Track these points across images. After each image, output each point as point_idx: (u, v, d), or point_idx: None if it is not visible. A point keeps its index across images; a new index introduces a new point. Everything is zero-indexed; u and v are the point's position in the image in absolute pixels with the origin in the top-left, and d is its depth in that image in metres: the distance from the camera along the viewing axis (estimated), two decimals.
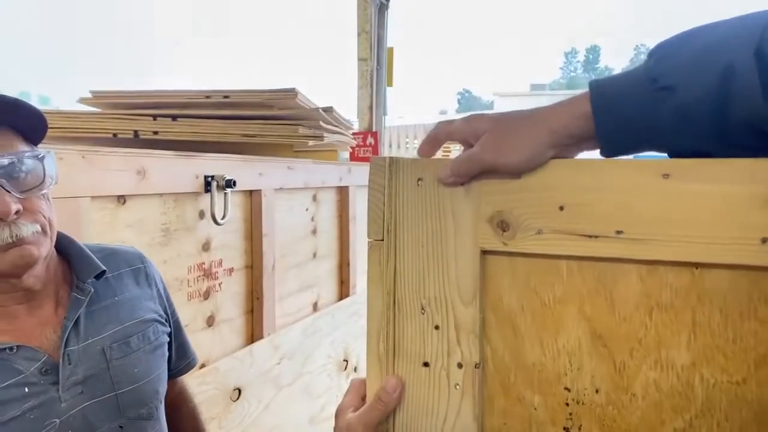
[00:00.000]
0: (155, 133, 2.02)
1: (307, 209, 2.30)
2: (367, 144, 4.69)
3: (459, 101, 67.33)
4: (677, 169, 0.57)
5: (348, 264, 2.54)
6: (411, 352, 0.68)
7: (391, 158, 0.68)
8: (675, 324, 0.60)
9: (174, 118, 2.05)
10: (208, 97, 2.17)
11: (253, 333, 1.97)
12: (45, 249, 0.92)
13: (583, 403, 0.63)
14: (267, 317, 1.99)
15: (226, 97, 2.17)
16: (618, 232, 0.60)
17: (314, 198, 2.34)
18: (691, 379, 0.59)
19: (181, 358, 1.24)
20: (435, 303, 0.67)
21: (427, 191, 0.67)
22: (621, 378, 0.62)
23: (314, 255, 2.36)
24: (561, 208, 0.62)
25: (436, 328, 0.67)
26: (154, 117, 2.04)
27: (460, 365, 0.66)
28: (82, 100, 2.19)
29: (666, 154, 0.63)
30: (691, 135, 0.58)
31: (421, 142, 0.70)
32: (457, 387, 0.67)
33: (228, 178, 1.71)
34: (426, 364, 0.68)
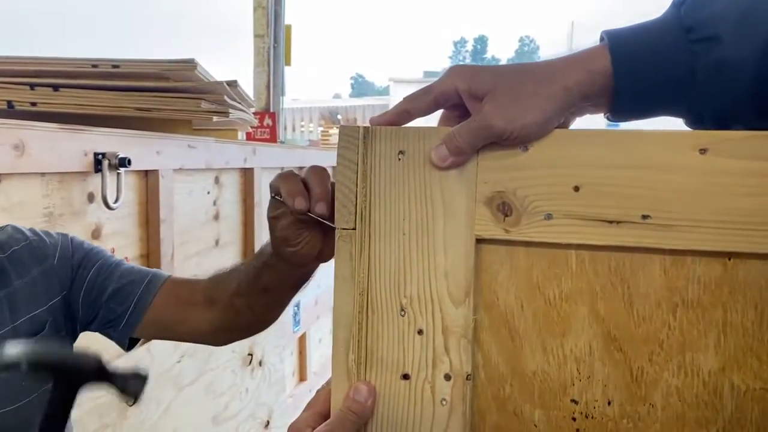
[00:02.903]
0: (33, 104, 1.77)
1: (208, 192, 2.11)
2: (265, 125, 4.48)
3: (352, 86, 67.11)
4: (717, 144, 0.49)
5: (253, 252, 2.37)
6: (387, 362, 0.56)
7: (365, 128, 0.56)
8: (702, 323, 0.51)
9: (56, 88, 1.80)
10: (95, 66, 1.92)
11: None
12: None
13: (592, 417, 0.54)
14: None
15: (115, 66, 1.94)
16: (644, 217, 0.50)
17: (216, 180, 2.16)
18: (720, 386, 0.52)
19: (128, 297, 0.96)
20: (418, 303, 0.55)
21: (410, 167, 0.55)
22: (638, 387, 0.53)
23: (216, 242, 2.17)
24: (576, 189, 0.52)
25: (420, 332, 0.56)
26: (32, 86, 1.78)
27: (447, 377, 0.55)
28: None
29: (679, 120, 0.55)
30: (725, 94, 0.50)
31: (379, 115, 0.58)
32: (444, 403, 0.56)
33: (121, 156, 1.51)
34: (406, 377, 0.56)
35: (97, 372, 0.63)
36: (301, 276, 0.82)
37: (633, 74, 0.51)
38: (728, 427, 0.52)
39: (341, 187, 0.56)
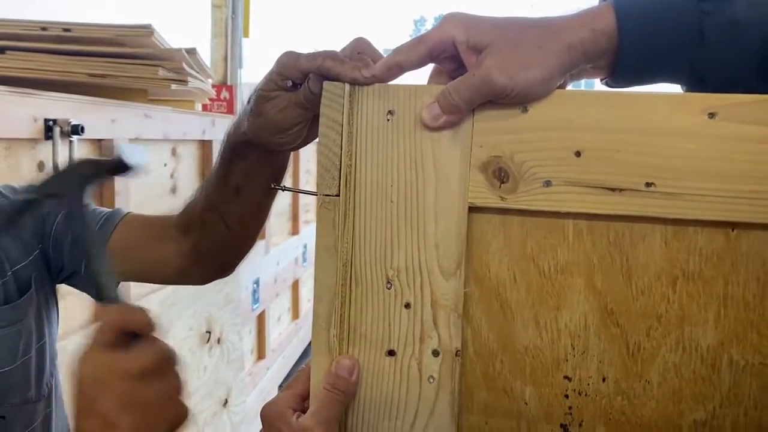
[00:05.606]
0: None
1: (165, 164, 2.03)
2: (222, 98, 4.37)
3: None
4: (727, 108, 0.46)
5: None
6: (372, 338, 0.53)
7: (352, 85, 0.52)
8: (703, 296, 0.49)
9: (2, 50, 1.71)
10: (44, 29, 1.82)
11: None
12: None
13: (586, 395, 0.52)
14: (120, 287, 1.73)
15: (66, 30, 1.84)
16: (648, 185, 0.48)
17: (173, 152, 2.08)
18: (718, 361, 0.50)
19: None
20: (406, 275, 0.52)
21: (399, 129, 0.51)
22: (634, 363, 0.51)
23: None
24: (578, 154, 0.49)
25: (407, 306, 0.52)
26: None
27: (436, 353, 0.52)
28: None
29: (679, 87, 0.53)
30: (733, 56, 0.48)
31: (370, 69, 0.53)
32: (432, 380, 0.53)
33: (74, 123, 1.43)
34: (391, 353, 0.53)
35: (94, 165, 0.63)
36: (274, 170, 0.72)
37: (638, 35, 0.48)
38: (725, 402, 0.50)
39: (324, 150, 0.52)
